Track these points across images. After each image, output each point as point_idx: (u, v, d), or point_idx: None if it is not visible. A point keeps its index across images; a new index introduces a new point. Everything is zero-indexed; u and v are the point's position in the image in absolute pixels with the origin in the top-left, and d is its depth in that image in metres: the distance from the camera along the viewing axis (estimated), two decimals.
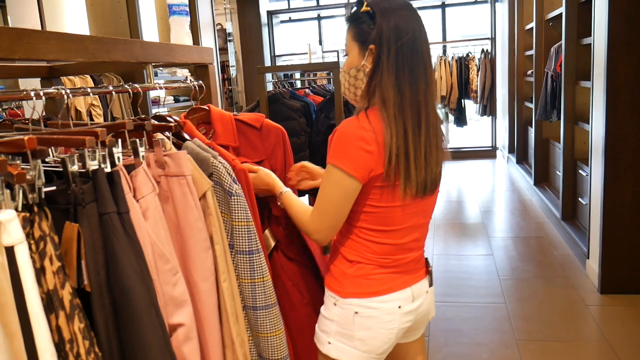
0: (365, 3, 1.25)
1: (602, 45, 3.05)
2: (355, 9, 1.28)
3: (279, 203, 1.45)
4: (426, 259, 1.44)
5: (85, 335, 0.81)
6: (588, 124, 3.43)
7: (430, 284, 1.43)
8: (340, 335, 1.32)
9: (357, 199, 1.27)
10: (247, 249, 1.29)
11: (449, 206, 5.40)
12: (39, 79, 1.84)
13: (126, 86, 1.22)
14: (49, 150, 0.81)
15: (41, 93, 0.95)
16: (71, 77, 3.14)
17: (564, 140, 4.13)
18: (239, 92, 7.54)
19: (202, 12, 5.45)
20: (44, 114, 1.20)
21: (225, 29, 7.40)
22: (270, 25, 7.96)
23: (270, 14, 7.96)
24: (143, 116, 1.30)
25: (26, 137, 0.75)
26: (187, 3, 1.63)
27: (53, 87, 1.03)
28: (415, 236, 1.35)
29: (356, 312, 1.30)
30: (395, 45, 1.20)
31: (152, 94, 4.63)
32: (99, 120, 3.39)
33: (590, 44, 3.32)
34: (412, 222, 1.32)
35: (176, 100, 4.96)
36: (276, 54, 8.12)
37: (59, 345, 0.78)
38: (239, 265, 1.30)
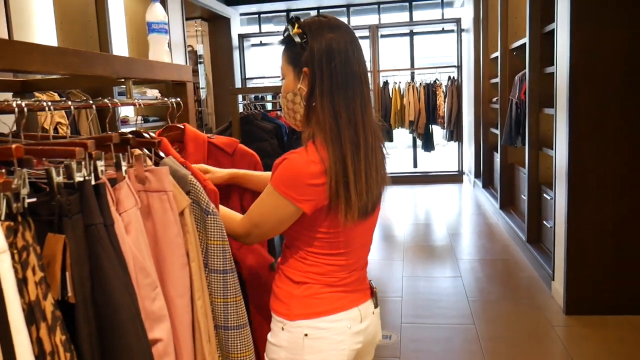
0: (296, 25, 1.23)
1: (564, 74, 3.18)
2: (287, 32, 1.26)
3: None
4: (370, 280, 1.43)
5: (67, 347, 0.79)
6: (552, 149, 3.56)
7: (376, 305, 1.41)
8: None
9: (305, 225, 1.27)
10: (221, 268, 1.28)
11: (417, 229, 5.47)
12: (11, 93, 1.82)
13: (106, 101, 1.22)
14: (32, 161, 0.80)
15: (23, 104, 0.94)
16: (38, 94, 3.09)
17: (528, 165, 4.26)
18: (208, 114, 7.52)
19: (174, 33, 5.46)
20: (14, 129, 1.19)
21: (197, 51, 7.41)
22: (241, 48, 8.01)
23: (242, 37, 8.02)
24: (121, 131, 1.29)
25: (14, 146, 0.74)
26: (167, 21, 1.64)
27: (33, 99, 1.02)
28: (360, 255, 1.35)
29: (306, 335, 1.27)
30: (328, 68, 1.19)
31: (122, 113, 4.59)
32: None
33: (553, 72, 3.46)
34: (357, 243, 1.32)
35: (145, 120, 4.92)
36: (247, 76, 8.16)
37: (39, 358, 0.76)
38: (212, 284, 1.29)
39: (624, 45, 3.02)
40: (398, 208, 6.33)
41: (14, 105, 0.92)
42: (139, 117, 4.88)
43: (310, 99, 1.22)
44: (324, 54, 1.19)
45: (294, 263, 1.32)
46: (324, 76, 1.19)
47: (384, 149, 1.32)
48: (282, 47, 1.29)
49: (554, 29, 3.45)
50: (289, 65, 1.26)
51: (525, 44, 4.31)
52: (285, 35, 1.27)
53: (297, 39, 1.22)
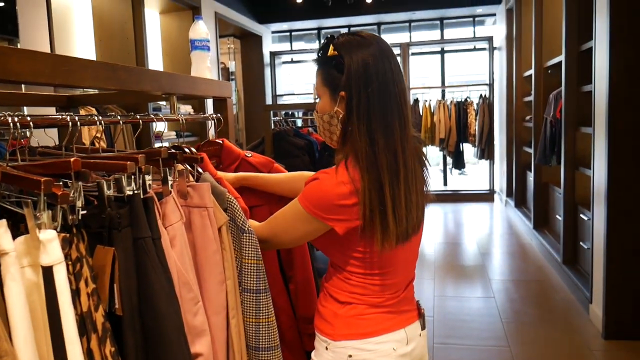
0: (332, 47, 1.20)
1: (603, 92, 3.12)
2: (322, 52, 1.23)
3: None
4: (417, 301, 1.39)
5: (116, 358, 0.80)
6: (589, 169, 3.48)
7: (423, 327, 1.37)
8: None
9: (342, 244, 1.24)
10: (254, 288, 1.27)
11: (448, 248, 5.40)
12: (54, 107, 1.87)
13: (152, 116, 1.24)
14: (90, 174, 0.81)
15: (76, 118, 0.96)
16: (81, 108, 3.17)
17: (564, 184, 4.17)
18: (239, 130, 7.61)
19: None
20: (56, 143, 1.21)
21: (228, 68, 7.53)
22: (272, 65, 8.11)
23: (273, 54, 8.12)
24: (163, 146, 1.31)
25: (72, 159, 0.76)
26: (209, 39, 1.67)
27: (86, 115, 1.05)
28: (404, 275, 1.31)
29: (350, 356, 1.23)
30: (365, 92, 1.15)
31: (156, 128, 4.68)
32: None
33: (591, 91, 3.40)
34: (401, 262, 1.28)
35: (178, 136, 5.00)
36: (277, 93, 8.24)
37: None
38: (245, 303, 1.28)
39: None
40: (428, 227, 6.26)
41: (68, 119, 0.94)
42: (172, 133, 4.97)
43: (347, 123, 1.19)
44: (360, 78, 1.16)
45: (338, 283, 1.29)
46: (361, 101, 1.16)
47: (425, 164, 1.29)
48: (316, 66, 1.26)
49: (591, 47, 3.39)
50: (325, 86, 1.24)
51: (560, 62, 4.25)
52: (320, 55, 1.25)
53: (334, 62, 1.19)
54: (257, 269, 1.27)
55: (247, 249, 1.26)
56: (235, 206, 1.26)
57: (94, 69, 1.04)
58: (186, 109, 4.80)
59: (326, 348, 1.27)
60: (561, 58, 4.21)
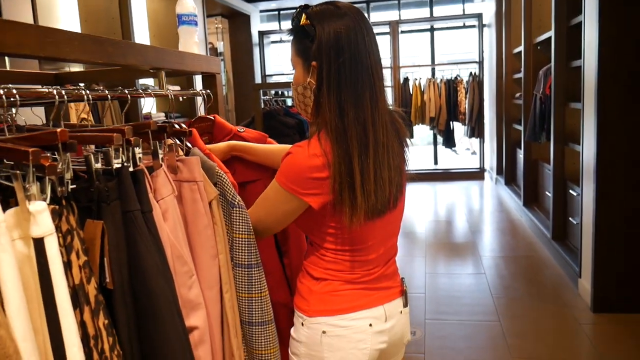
0: (304, 16, 1.18)
1: (593, 67, 3.13)
2: (295, 21, 1.22)
3: None
4: (402, 278, 1.38)
5: (109, 331, 0.80)
6: (578, 144, 3.50)
7: (405, 305, 1.35)
8: (310, 357, 1.26)
9: (317, 220, 1.23)
10: (246, 262, 1.26)
11: (439, 226, 5.43)
12: (40, 86, 1.84)
13: (140, 90, 1.23)
14: (75, 145, 0.80)
15: (63, 92, 0.95)
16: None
17: (553, 160, 4.20)
18: (229, 111, 7.56)
19: None
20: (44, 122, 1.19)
21: (217, 48, 7.45)
22: (261, 45, 8.03)
23: (262, 34, 8.03)
24: (151, 120, 1.29)
25: (59, 130, 0.74)
26: (196, 13, 1.64)
27: (73, 87, 1.03)
28: (382, 252, 1.29)
29: (324, 332, 1.23)
30: (336, 63, 1.14)
31: (144, 109, 4.63)
32: None
33: (580, 66, 3.40)
34: (377, 239, 1.27)
35: (167, 117, 4.95)
36: (267, 73, 8.18)
37: (83, 341, 0.77)
38: (237, 278, 1.27)
39: None
40: (419, 205, 6.29)
41: (55, 93, 0.92)
42: (161, 114, 4.92)
43: (319, 95, 1.18)
44: (332, 48, 1.14)
45: (314, 259, 1.29)
46: (331, 72, 1.14)
47: (405, 141, 1.27)
48: (290, 36, 1.25)
49: (581, 22, 3.39)
50: (298, 57, 1.23)
51: (550, 37, 4.24)
52: (293, 25, 1.23)
53: (306, 31, 1.18)
54: (249, 243, 1.27)
55: (237, 223, 1.26)
56: (225, 180, 1.25)
57: (80, 42, 1.02)
58: (174, 88, 4.74)
59: (302, 324, 1.27)
60: (551, 34, 4.20)
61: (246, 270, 1.27)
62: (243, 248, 1.27)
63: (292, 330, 1.33)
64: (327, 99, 1.15)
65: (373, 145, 1.15)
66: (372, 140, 1.15)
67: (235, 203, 1.25)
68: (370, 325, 1.25)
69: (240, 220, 1.26)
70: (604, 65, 3.04)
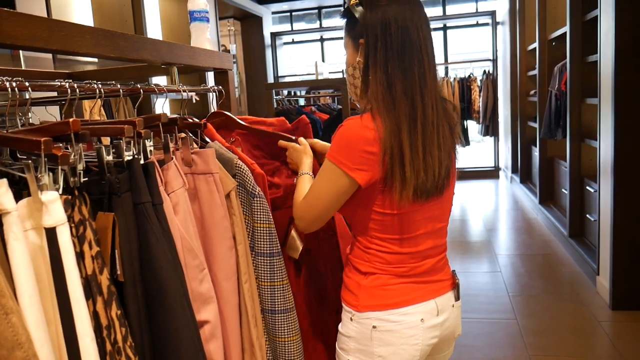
0: None
1: (609, 61, 3.08)
2: (345, 3, 1.24)
3: (296, 177, 1.40)
4: (453, 271, 1.34)
5: (122, 322, 0.80)
6: (595, 140, 3.45)
7: (457, 298, 1.31)
8: (359, 352, 1.23)
9: (363, 205, 1.21)
10: (267, 251, 1.28)
11: (454, 224, 5.38)
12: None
13: (153, 86, 1.23)
14: (87, 135, 0.80)
15: (75, 85, 0.95)
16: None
17: (570, 157, 4.14)
18: (242, 112, 7.59)
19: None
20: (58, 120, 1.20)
21: (229, 50, 7.48)
22: (273, 46, 8.04)
23: (274, 35, 8.05)
24: (161, 113, 1.30)
25: (71, 120, 0.75)
26: (208, 10, 1.65)
27: (85, 82, 1.04)
28: (431, 244, 1.26)
29: (374, 327, 1.20)
30: (382, 37, 1.14)
31: (156, 110, 4.66)
32: None
33: (596, 61, 3.35)
34: (425, 228, 1.24)
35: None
36: (279, 74, 8.19)
37: (96, 332, 0.77)
38: (259, 267, 1.29)
39: None
40: None
41: (67, 86, 0.93)
42: (175, 116, 4.94)
43: (367, 71, 1.18)
44: (378, 23, 1.15)
45: (360, 253, 1.26)
46: (378, 46, 1.14)
47: (456, 131, 1.25)
48: (342, 19, 1.26)
49: (596, 16, 3.34)
50: (348, 37, 1.24)
51: (565, 33, 4.19)
52: (344, 7, 1.24)
53: (355, 10, 1.19)
54: (269, 232, 1.28)
55: (258, 213, 1.26)
56: (244, 172, 1.25)
57: (92, 35, 1.02)
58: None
59: (351, 319, 1.24)
60: (566, 29, 4.15)
61: (268, 258, 1.28)
62: (264, 237, 1.28)
63: (340, 326, 1.29)
64: (374, 74, 1.15)
65: (421, 121, 1.14)
66: (420, 116, 1.14)
67: (256, 193, 1.25)
68: (422, 320, 1.22)
69: (261, 210, 1.27)
70: (620, 59, 2.99)
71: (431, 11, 8.12)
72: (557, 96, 4.51)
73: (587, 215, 3.88)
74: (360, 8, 1.18)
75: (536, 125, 5.49)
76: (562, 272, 3.82)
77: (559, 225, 4.46)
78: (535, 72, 5.46)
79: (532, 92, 5.95)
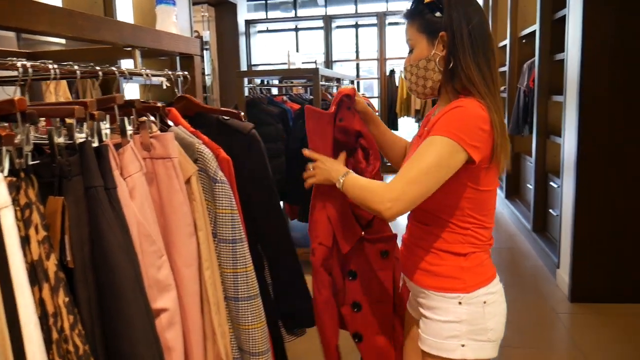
0: None
1: (576, 61, 3.14)
2: (416, 3, 1.33)
3: (339, 187, 1.33)
4: None
5: (70, 310, 0.78)
6: (560, 137, 3.52)
7: None
8: (473, 333, 1.27)
9: (462, 184, 1.24)
10: (230, 238, 1.26)
11: None
12: None
13: (113, 68, 1.20)
14: (37, 118, 0.77)
15: (28, 64, 0.92)
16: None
17: (535, 153, 4.22)
18: (214, 100, 7.49)
19: (180, 18, 5.40)
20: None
21: (202, 37, 7.36)
22: (247, 34, 7.96)
23: (248, 23, 7.96)
24: (116, 94, 1.27)
25: (17, 98, 0.72)
26: None
27: (39, 61, 1.00)
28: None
29: (484, 302, 1.28)
30: (467, 29, 1.24)
31: (125, 96, 4.56)
32: None
33: (563, 59, 3.41)
34: (494, 206, 1.36)
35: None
36: (252, 63, 8.11)
37: (42, 320, 0.75)
38: (222, 254, 1.27)
39: (638, 31, 2.97)
40: None
41: (19, 65, 0.89)
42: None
43: (451, 60, 1.26)
44: (462, 16, 1.25)
45: (454, 236, 1.29)
46: (464, 37, 1.24)
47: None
48: (407, 19, 1.35)
49: (565, 15, 3.39)
50: (422, 33, 1.31)
51: (535, 31, 4.25)
52: (413, 6, 1.33)
53: (433, 5, 1.28)
54: (232, 218, 1.26)
55: (220, 199, 1.24)
56: (206, 156, 1.23)
57: (49, 14, 0.99)
58: (158, 78, 4.68)
59: (459, 303, 1.27)
60: (535, 27, 4.21)
61: (231, 245, 1.26)
62: (227, 223, 1.26)
63: (441, 316, 1.30)
64: (463, 61, 1.24)
65: (500, 103, 1.26)
66: (499, 98, 1.26)
67: (217, 179, 1.23)
68: (503, 286, 1.36)
69: (223, 196, 1.25)
70: (587, 58, 3.05)
71: (406, 4, 8.13)
72: (525, 93, 4.59)
73: (550, 210, 3.96)
74: (438, 3, 1.28)
75: (505, 121, 5.56)
76: (525, 265, 3.91)
77: (524, 219, 4.55)
78: (506, 68, 5.53)
79: (502, 88, 6.03)
